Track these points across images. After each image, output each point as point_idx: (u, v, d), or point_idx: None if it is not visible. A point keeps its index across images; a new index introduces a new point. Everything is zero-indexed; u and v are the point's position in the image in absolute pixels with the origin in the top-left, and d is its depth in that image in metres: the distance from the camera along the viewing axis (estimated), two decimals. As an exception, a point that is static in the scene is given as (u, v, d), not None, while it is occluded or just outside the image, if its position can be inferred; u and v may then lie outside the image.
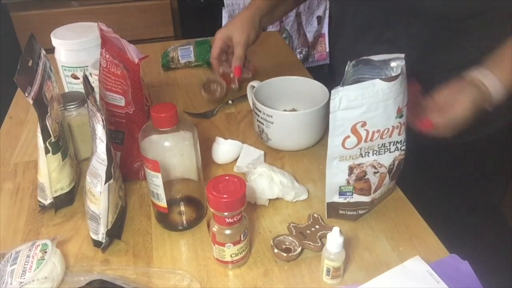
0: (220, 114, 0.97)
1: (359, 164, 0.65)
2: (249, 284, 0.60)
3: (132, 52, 0.68)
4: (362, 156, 0.64)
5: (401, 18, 0.78)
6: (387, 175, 0.67)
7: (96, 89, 0.72)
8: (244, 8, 0.98)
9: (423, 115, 0.72)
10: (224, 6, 1.91)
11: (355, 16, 0.86)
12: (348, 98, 0.59)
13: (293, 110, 0.90)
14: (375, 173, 0.66)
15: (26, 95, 0.61)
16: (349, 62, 0.65)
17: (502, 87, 0.71)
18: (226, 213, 0.58)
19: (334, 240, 0.57)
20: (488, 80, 0.71)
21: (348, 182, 0.66)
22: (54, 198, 0.71)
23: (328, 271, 0.59)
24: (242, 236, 0.60)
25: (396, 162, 0.67)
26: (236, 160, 0.81)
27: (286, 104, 0.91)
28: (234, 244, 0.60)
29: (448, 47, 0.79)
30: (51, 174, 0.69)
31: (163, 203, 0.66)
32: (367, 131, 0.62)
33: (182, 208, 0.70)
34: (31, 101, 0.62)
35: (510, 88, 0.72)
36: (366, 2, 0.82)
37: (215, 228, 0.60)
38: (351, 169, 0.65)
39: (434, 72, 0.81)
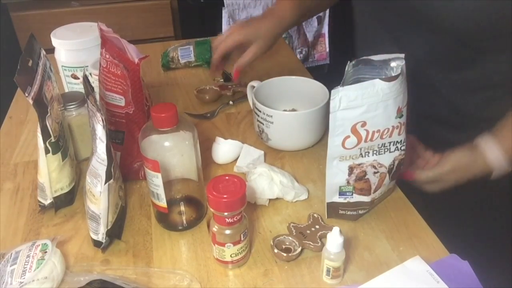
0: (220, 114, 0.97)
1: (359, 164, 0.65)
2: (249, 284, 0.60)
3: (132, 52, 0.68)
4: (362, 156, 0.64)
5: (423, 34, 0.76)
6: (387, 175, 0.67)
7: (96, 89, 0.72)
8: (270, 13, 0.88)
9: (411, 166, 0.73)
10: (224, 6, 1.91)
11: (378, 30, 0.84)
12: (348, 98, 0.59)
13: (293, 110, 0.90)
14: (375, 173, 0.66)
15: (26, 95, 0.61)
16: (349, 62, 0.65)
17: (506, 161, 0.71)
18: (226, 213, 0.58)
19: (334, 240, 0.57)
20: (491, 151, 0.71)
21: (348, 182, 0.66)
22: (54, 198, 0.71)
23: (328, 271, 0.59)
24: (242, 236, 0.60)
25: (396, 162, 0.67)
26: (236, 160, 0.81)
27: (286, 104, 0.91)
28: (234, 244, 0.60)
29: (469, 67, 0.77)
30: (51, 174, 0.69)
31: (163, 203, 0.66)
32: (367, 131, 0.62)
33: (182, 208, 0.70)
34: (31, 101, 0.62)
35: None
36: (390, 18, 0.81)
37: (215, 228, 0.60)
38: (351, 169, 0.65)
39: (456, 91, 0.79)
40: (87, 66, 0.86)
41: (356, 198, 0.67)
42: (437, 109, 0.81)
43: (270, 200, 0.73)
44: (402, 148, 0.66)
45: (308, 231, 0.66)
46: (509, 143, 0.71)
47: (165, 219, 0.69)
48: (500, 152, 0.71)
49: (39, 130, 0.65)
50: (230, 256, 0.61)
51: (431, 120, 0.76)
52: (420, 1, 0.70)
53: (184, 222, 0.69)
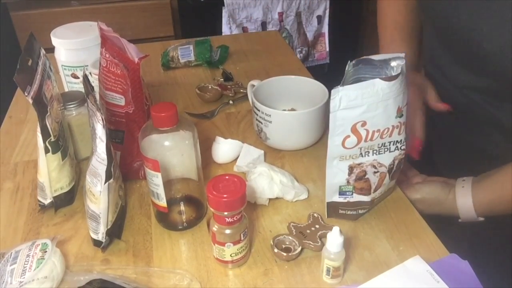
0: (220, 114, 0.97)
1: (359, 164, 0.65)
2: (249, 283, 0.60)
3: (132, 51, 0.68)
4: (362, 156, 0.64)
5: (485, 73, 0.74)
6: (387, 174, 0.67)
7: (96, 89, 0.72)
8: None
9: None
10: (224, 5, 1.91)
11: (447, 57, 0.82)
12: (348, 97, 0.59)
13: (293, 109, 0.90)
14: (375, 172, 0.66)
15: (26, 94, 0.61)
16: (349, 61, 0.65)
17: (476, 211, 0.72)
18: (226, 213, 0.57)
19: (334, 239, 0.57)
20: (463, 198, 0.72)
21: (348, 182, 0.66)
22: (54, 197, 0.71)
23: (328, 270, 0.59)
24: (242, 235, 0.60)
25: (396, 162, 0.67)
26: (236, 159, 0.81)
27: (286, 103, 0.91)
28: (234, 243, 0.60)
29: None
30: (51, 174, 0.69)
31: (163, 202, 0.66)
32: (367, 131, 0.62)
33: (182, 207, 0.70)
34: (30, 101, 0.62)
35: (485, 214, 0.72)
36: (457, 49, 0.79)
37: (215, 227, 0.60)
38: (351, 169, 0.65)
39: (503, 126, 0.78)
40: (87, 66, 0.86)
41: (356, 197, 0.67)
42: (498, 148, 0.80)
43: (270, 199, 0.73)
44: (402, 147, 0.66)
45: (308, 231, 0.66)
46: (482, 197, 0.72)
47: (165, 218, 0.69)
48: (471, 202, 0.72)
49: (38, 129, 0.65)
50: (230, 255, 0.61)
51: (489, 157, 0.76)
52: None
53: (184, 221, 0.69)
